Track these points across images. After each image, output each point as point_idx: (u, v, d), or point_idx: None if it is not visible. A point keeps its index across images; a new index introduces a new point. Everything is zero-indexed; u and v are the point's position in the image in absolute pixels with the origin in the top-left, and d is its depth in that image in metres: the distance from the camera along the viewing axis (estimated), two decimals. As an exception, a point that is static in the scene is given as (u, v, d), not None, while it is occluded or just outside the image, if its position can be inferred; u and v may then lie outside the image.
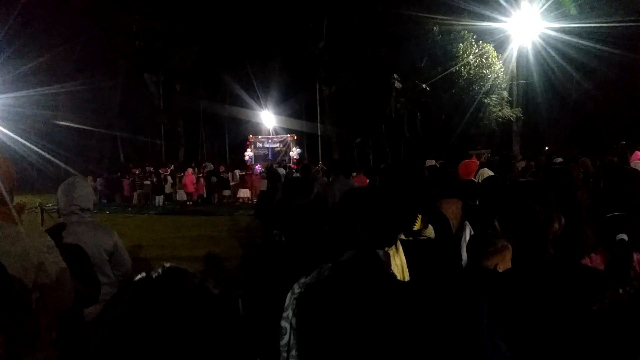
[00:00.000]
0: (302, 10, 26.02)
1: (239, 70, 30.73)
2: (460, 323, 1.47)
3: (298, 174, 13.26)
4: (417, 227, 2.39)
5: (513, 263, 1.66)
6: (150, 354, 0.63)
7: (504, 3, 20.85)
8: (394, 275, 1.57)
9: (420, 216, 2.41)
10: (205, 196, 21.44)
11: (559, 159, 8.55)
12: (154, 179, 21.46)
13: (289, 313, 1.53)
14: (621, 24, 19.34)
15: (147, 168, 23.35)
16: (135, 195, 21.60)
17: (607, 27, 19.86)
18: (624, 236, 2.30)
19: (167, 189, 21.30)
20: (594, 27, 20.21)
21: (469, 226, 3.82)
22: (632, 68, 21.18)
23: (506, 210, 1.55)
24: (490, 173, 6.40)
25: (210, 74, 32.12)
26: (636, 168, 6.90)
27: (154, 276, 0.71)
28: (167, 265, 0.74)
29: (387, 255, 1.57)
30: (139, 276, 0.72)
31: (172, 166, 24.20)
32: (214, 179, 21.59)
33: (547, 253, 1.51)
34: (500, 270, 2.29)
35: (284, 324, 1.54)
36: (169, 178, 21.72)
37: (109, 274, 3.25)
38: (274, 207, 2.73)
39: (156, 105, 34.01)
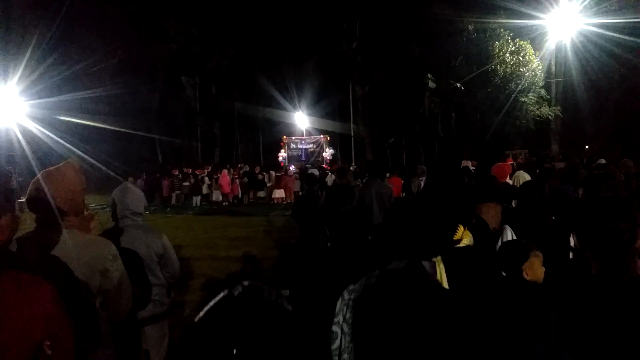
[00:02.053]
0: (335, 11, 26.09)
1: (273, 72, 31.08)
2: (527, 335, 1.49)
3: (333, 175, 13.31)
4: (457, 236, 2.42)
5: (591, 278, 1.59)
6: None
7: (541, -1, 20.34)
8: (441, 286, 1.62)
9: (460, 226, 2.44)
10: (240, 197, 21.80)
11: (602, 161, 8.30)
12: (192, 180, 21.96)
13: (339, 318, 1.61)
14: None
15: (185, 169, 23.92)
16: (173, 195, 22.17)
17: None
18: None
19: (204, 189, 21.76)
20: (635, 22, 19.45)
21: (510, 230, 3.80)
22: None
23: (588, 225, 1.52)
24: (527, 176, 6.30)
25: (245, 76, 32.61)
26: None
27: (235, 294, 0.80)
28: (246, 283, 0.83)
29: (433, 266, 1.63)
30: (222, 293, 0.81)
31: (209, 167, 24.70)
32: (248, 179, 21.95)
33: (631, 271, 1.46)
34: (527, 278, 2.30)
35: (335, 328, 1.62)
36: (206, 179, 22.19)
37: (159, 274, 3.41)
38: (318, 213, 2.81)
39: (193, 107, 34.77)
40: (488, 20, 21.77)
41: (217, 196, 21.43)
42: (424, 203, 1.80)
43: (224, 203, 21.00)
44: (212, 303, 0.81)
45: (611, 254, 1.48)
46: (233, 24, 30.05)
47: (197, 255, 9.55)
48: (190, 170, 23.77)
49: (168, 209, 19.93)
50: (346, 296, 1.64)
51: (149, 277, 3.34)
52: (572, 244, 3.55)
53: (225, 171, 22.07)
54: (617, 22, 19.92)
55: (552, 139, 24.88)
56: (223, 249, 10.39)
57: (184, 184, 22.10)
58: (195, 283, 7.24)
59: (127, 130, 27.93)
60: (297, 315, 0.84)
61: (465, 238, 2.48)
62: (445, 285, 2.08)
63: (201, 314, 0.81)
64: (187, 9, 30.03)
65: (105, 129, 27.33)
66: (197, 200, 21.21)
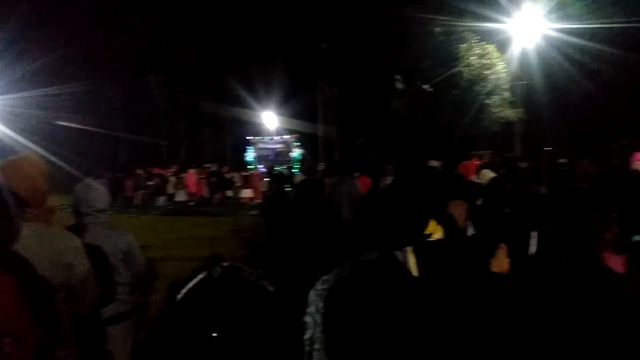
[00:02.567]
0: (304, 11, 26.08)
1: (241, 71, 30.80)
2: (497, 323, 1.50)
3: (302, 175, 13.31)
4: (429, 231, 2.45)
5: (561, 267, 1.63)
6: (210, 347, 0.69)
7: (505, 4, 20.89)
8: (414, 276, 1.63)
9: (431, 220, 2.47)
10: (207, 196, 21.52)
11: (563, 160, 8.61)
12: (157, 180, 21.54)
13: (312, 309, 1.60)
14: (623, 25, 19.37)
15: (150, 168, 23.43)
16: (137, 195, 21.68)
17: (609, 28, 19.90)
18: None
19: (170, 189, 21.38)
20: (595, 28, 20.24)
21: (472, 226, 3.93)
22: (634, 69, 21.23)
23: (561, 215, 1.54)
24: (492, 174, 6.47)
25: (212, 75, 32.20)
26: (636, 169, 6.96)
27: (215, 275, 0.77)
28: (226, 264, 0.80)
29: (405, 255, 1.64)
30: (200, 275, 0.78)
31: (175, 167, 24.28)
32: (215, 179, 21.70)
33: (599, 261, 1.49)
34: (494, 270, 2.35)
35: (308, 319, 1.60)
36: (172, 178, 21.81)
37: (123, 273, 3.32)
38: (288, 208, 2.80)
39: (158, 105, 34.09)
40: (455, 23, 22.21)
41: (182, 196, 21.08)
42: (395, 194, 1.80)
43: (190, 203, 20.68)
44: (190, 285, 0.78)
45: (582, 243, 1.52)
46: (200, 22, 29.63)
47: (162, 255, 9.35)
48: (155, 169, 23.31)
49: (131, 209, 19.46)
50: (319, 287, 1.63)
51: (113, 276, 3.25)
52: (533, 237, 3.68)
53: (191, 171, 21.74)
54: (578, 28, 20.68)
55: (516, 141, 25.59)
56: (189, 249, 10.22)
57: (149, 183, 21.64)
58: (160, 284, 7.07)
59: (89, 128, 27.17)
60: (279, 296, 0.82)
61: (436, 232, 2.51)
62: (415, 269, 2.10)
63: (179, 296, 0.77)
64: (152, 5, 29.44)
65: (66, 126, 26.51)
66: (162, 200, 20.80)
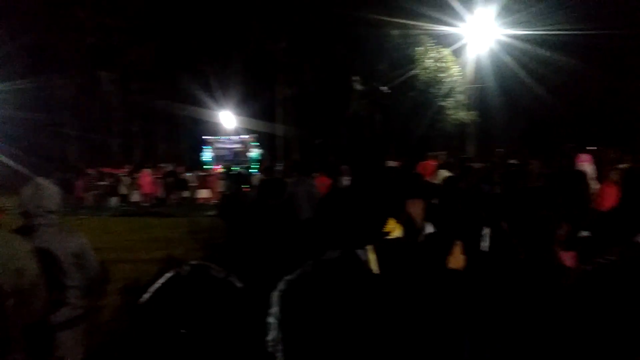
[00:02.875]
0: (262, 10, 25.89)
1: (198, 70, 30.25)
2: (455, 317, 1.54)
3: (261, 175, 13.21)
4: (388, 229, 2.49)
5: (519, 264, 1.68)
6: (180, 344, 0.67)
7: (459, 10, 21.52)
8: (375, 274, 1.65)
9: (391, 219, 2.51)
10: (162, 197, 21.02)
11: (514, 161, 8.96)
12: (109, 180, 20.85)
13: (275, 309, 1.59)
14: (569, 32, 20.36)
15: (101, 169, 22.65)
16: (88, 196, 20.89)
17: (556, 35, 20.88)
18: (587, 233, 2.46)
19: (123, 189, 20.74)
20: (544, 35, 21.20)
21: (430, 225, 4.04)
22: (579, 74, 22.34)
23: (519, 214, 1.60)
24: (448, 174, 6.67)
25: (167, 72, 31.43)
26: (581, 170, 7.33)
27: (183, 273, 0.75)
28: (194, 262, 0.78)
29: (366, 254, 1.65)
30: (168, 274, 0.76)
31: (129, 167, 23.55)
32: (171, 179, 21.21)
33: (555, 257, 1.55)
34: (450, 266, 2.43)
35: (271, 320, 1.59)
36: (125, 179, 21.16)
37: (75, 276, 3.19)
38: (248, 208, 2.77)
39: (110, 103, 32.98)
40: (411, 26, 22.65)
41: (136, 197, 20.48)
42: (355, 193, 1.82)
43: (144, 204, 20.12)
44: (158, 284, 0.76)
45: (539, 240, 1.58)
46: (155, 17, 28.87)
47: (116, 258, 9.01)
48: (107, 169, 22.55)
49: (82, 211, 18.74)
50: (281, 287, 1.62)
51: (64, 279, 3.12)
52: (485, 234, 3.82)
53: (146, 170, 21.15)
54: (527, 34, 21.60)
55: (469, 142, 26.39)
56: (144, 251, 9.94)
57: (100, 183, 20.91)
58: (114, 287, 6.83)
59: (38, 126, 25.98)
60: (248, 293, 0.81)
61: (395, 231, 2.55)
62: (375, 267, 2.12)
63: (146, 295, 0.75)
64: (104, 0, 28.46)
65: (13, 124, 25.27)
66: (115, 201, 20.15)
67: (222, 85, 31.05)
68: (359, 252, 1.60)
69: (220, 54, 28.72)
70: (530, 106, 25.52)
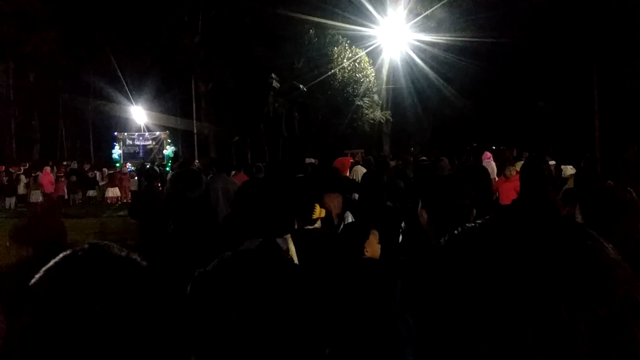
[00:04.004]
0: (175, 1, 24.93)
1: (106, 62, 28.49)
2: (375, 302, 1.56)
3: (176, 169, 12.75)
4: (316, 215, 2.49)
5: (434, 250, 1.73)
6: (81, 328, 0.61)
7: (374, 13, 22.24)
8: (292, 260, 1.63)
9: (317, 205, 2.51)
10: (66, 197, 19.57)
11: (424, 158, 9.41)
12: (4, 179, 19.05)
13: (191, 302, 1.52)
14: (474, 40, 21.77)
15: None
16: (-21, 197, 18.93)
17: (462, 41, 22.24)
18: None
19: (21, 189, 19.05)
20: (450, 40, 22.52)
21: (350, 215, 4.14)
22: (482, 78, 23.96)
23: (437, 201, 1.64)
24: (364, 170, 6.87)
25: (71, 63, 29.27)
26: (486, 166, 7.87)
27: (79, 253, 0.68)
28: (92, 241, 0.72)
29: (286, 243, 1.63)
30: (62, 254, 0.68)
31: (27, 164, 21.66)
32: (74, 178, 19.84)
33: None
34: (367, 255, 2.49)
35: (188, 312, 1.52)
36: (23, 177, 19.43)
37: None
38: (164, 203, 2.64)
39: (5, 96, 30.11)
40: (327, 25, 22.99)
41: (36, 197, 18.87)
42: (272, 183, 1.79)
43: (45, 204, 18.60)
44: (50, 264, 0.68)
45: (454, 227, 1.65)
46: (56, 4, 26.74)
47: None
48: (2, 167, 20.58)
49: (-27, 213, 16.95)
50: (197, 279, 1.55)
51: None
52: (402, 227, 3.98)
53: (47, 168, 19.56)
54: (435, 40, 22.80)
55: (384, 141, 27.35)
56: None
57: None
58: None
59: None
60: (153, 271, 0.75)
61: (322, 215, 2.56)
62: (295, 257, 2.12)
63: (37, 276, 0.67)
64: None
65: None
66: (11, 202, 18.44)
67: (134, 79, 29.54)
68: (279, 240, 1.58)
69: (132, 45, 27.24)
70: (439, 107, 26.97)
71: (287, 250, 1.64)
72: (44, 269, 0.67)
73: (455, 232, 0.63)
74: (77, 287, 0.63)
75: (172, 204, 2.24)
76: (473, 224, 0.61)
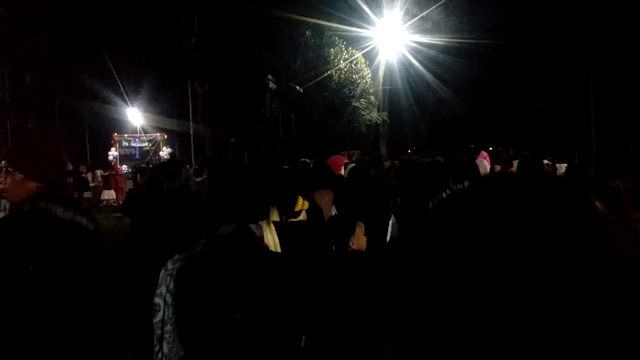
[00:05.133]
0: (171, 3, 24.89)
1: (102, 63, 28.43)
2: (355, 292, 1.53)
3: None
4: (298, 207, 2.46)
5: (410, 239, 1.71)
6: (14, 282, 0.58)
7: (370, 13, 22.25)
8: (267, 247, 1.59)
9: (300, 197, 2.48)
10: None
11: (416, 157, 9.42)
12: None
13: (162, 289, 1.48)
14: (470, 41, 21.80)
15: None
16: (-26, 199, 18.85)
17: (458, 42, 22.29)
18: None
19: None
20: (446, 42, 22.56)
21: (334, 209, 4.10)
22: (478, 79, 24.00)
23: (410, 187, 1.64)
24: (359, 169, 6.86)
25: (67, 65, 29.20)
26: (478, 164, 7.86)
27: (20, 213, 0.65)
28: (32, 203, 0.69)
29: (260, 229, 1.59)
30: (1, 216, 0.65)
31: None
32: (71, 179, 19.75)
33: None
34: (353, 247, 2.47)
35: (158, 300, 1.48)
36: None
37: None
38: (144, 194, 2.59)
39: (1, 98, 30.04)
40: (323, 26, 23.00)
41: (33, 198, 18.83)
42: (249, 168, 1.75)
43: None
44: None
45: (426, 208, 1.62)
46: (52, 5, 26.68)
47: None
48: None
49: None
50: (170, 266, 1.51)
51: None
52: (391, 224, 3.96)
53: (43, 170, 19.51)
54: (431, 42, 22.84)
55: (381, 142, 27.35)
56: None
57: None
58: None
59: None
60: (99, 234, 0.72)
61: (304, 207, 2.53)
62: (278, 249, 2.08)
63: None
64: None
65: None
66: (5, 204, 18.38)
67: (131, 80, 29.49)
68: (253, 227, 1.54)
69: (128, 46, 27.18)
70: (435, 108, 27.00)
71: (262, 237, 1.60)
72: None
73: (442, 196, 0.63)
74: (13, 248, 0.60)
75: (150, 197, 2.20)
76: (461, 187, 0.61)
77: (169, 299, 1.46)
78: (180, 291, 1.44)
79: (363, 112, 24.41)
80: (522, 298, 0.47)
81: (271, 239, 2.09)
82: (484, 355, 0.48)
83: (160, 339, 1.43)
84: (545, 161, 12.64)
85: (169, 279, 1.48)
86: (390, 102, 26.67)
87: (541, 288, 0.47)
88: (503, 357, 0.47)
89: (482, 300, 0.49)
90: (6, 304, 0.55)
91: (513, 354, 0.47)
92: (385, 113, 25.87)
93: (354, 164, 7.49)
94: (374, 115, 24.87)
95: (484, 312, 0.48)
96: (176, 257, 1.53)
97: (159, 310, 1.47)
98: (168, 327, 1.45)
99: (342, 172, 6.86)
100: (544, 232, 0.49)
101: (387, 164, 13.11)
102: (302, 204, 2.49)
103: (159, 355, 1.43)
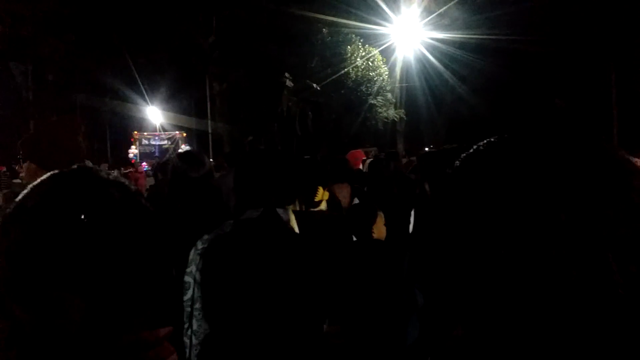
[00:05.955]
0: (190, 2, 25.13)
1: (122, 63, 28.86)
2: (385, 277, 1.56)
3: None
4: (318, 197, 2.49)
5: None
6: (67, 241, 0.62)
7: (387, 10, 22.16)
8: (294, 230, 1.64)
9: (320, 188, 2.51)
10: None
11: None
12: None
13: (192, 268, 1.53)
14: (487, 37, 21.56)
15: (16, 166, 20.99)
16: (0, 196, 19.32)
17: (476, 39, 22.05)
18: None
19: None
20: (463, 38, 22.35)
21: (356, 199, 4.13)
22: (497, 76, 23.72)
23: (437, 174, 1.66)
24: (377, 164, 6.88)
25: (88, 65, 29.68)
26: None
27: (67, 172, 0.70)
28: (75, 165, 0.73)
29: (287, 214, 1.64)
30: (50, 173, 0.70)
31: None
32: (106, 165, 20.13)
33: None
34: (374, 236, 2.49)
35: (188, 279, 1.53)
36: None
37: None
38: (169, 184, 2.67)
39: (24, 97, 30.67)
40: (340, 24, 22.98)
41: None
42: (278, 154, 1.79)
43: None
44: (37, 181, 0.70)
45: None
46: (73, 6, 27.13)
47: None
48: (3, 167, 20.96)
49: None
50: (199, 246, 1.56)
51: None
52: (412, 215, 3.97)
53: (65, 168, 19.90)
54: (449, 38, 22.64)
55: (398, 139, 27.24)
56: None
57: (14, 181, 19.40)
58: None
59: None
60: (141, 195, 0.76)
61: (323, 203, 2.57)
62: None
63: (24, 192, 0.69)
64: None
65: None
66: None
67: (150, 79, 29.87)
68: (280, 211, 1.58)
69: (147, 46, 27.54)
70: (453, 105, 26.78)
71: (288, 221, 1.65)
72: (31, 185, 0.69)
73: (468, 152, 0.64)
74: (64, 202, 0.65)
75: (176, 186, 2.26)
76: (483, 143, 0.62)
77: (198, 277, 1.51)
78: (209, 270, 1.49)
79: (380, 110, 24.33)
80: (554, 245, 0.47)
81: (292, 218, 2.13)
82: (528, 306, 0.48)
83: (190, 316, 1.49)
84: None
85: (198, 258, 1.53)
86: (408, 99, 26.54)
87: (573, 235, 0.47)
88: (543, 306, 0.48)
89: (514, 248, 0.49)
90: (61, 252, 0.59)
91: (550, 304, 0.47)
92: (402, 110, 25.75)
93: (372, 160, 7.52)
94: (391, 112, 24.77)
95: (515, 258, 0.49)
96: (205, 237, 1.58)
97: (189, 289, 1.53)
98: (197, 305, 1.50)
99: (361, 167, 6.90)
100: (574, 181, 0.50)
101: (404, 160, 13.09)
102: (322, 194, 2.53)
103: (188, 332, 1.49)
